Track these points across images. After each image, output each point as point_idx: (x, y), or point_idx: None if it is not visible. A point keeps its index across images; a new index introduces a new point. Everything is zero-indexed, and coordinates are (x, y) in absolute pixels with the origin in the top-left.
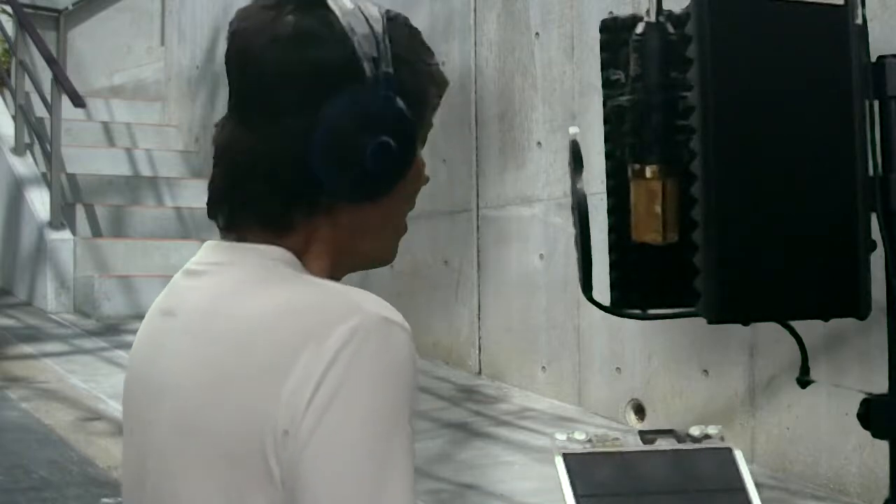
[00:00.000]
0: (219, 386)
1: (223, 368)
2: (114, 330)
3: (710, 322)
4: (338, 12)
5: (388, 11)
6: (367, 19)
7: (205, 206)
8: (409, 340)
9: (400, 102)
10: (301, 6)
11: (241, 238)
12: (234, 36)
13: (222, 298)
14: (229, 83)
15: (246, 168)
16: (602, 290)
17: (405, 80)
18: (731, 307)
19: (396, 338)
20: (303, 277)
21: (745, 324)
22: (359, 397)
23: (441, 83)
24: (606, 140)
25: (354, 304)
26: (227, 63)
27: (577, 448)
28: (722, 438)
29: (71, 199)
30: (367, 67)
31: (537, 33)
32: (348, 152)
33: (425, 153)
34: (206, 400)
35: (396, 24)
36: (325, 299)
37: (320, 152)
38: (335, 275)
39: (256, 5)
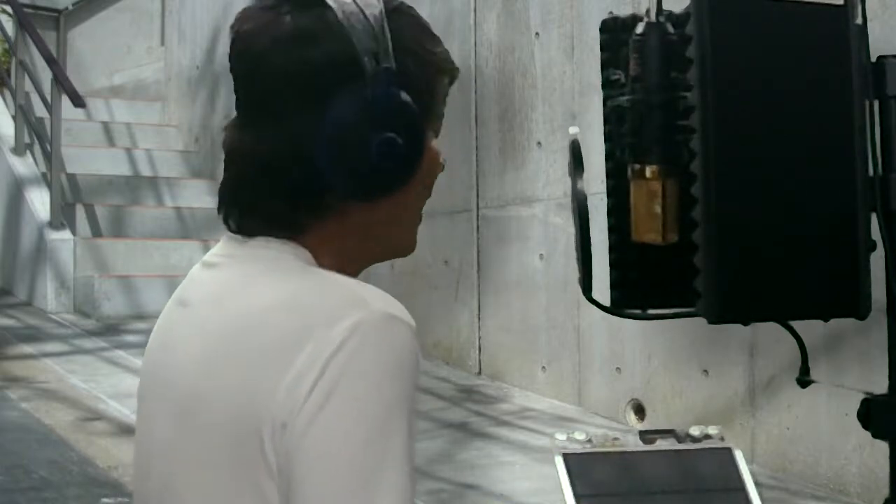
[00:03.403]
0: (220, 374)
1: (226, 357)
2: (114, 330)
3: (710, 322)
4: (335, 8)
5: (390, 2)
6: (364, 13)
7: (205, 206)
8: (412, 338)
9: (404, 96)
10: (298, 5)
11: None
12: (235, 38)
13: (232, 290)
14: (234, 86)
15: (252, 171)
16: (602, 290)
17: (410, 72)
18: (731, 307)
19: (400, 334)
20: (311, 270)
21: (745, 324)
22: (357, 393)
23: (449, 70)
24: (606, 140)
25: (360, 299)
26: (230, 66)
27: (577, 448)
28: (722, 438)
29: (71, 199)
30: (368, 63)
31: (537, 33)
32: (354, 151)
33: None
34: (208, 388)
35: (400, 15)
36: (331, 293)
37: (326, 152)
38: (353, 269)
39: (256, 6)
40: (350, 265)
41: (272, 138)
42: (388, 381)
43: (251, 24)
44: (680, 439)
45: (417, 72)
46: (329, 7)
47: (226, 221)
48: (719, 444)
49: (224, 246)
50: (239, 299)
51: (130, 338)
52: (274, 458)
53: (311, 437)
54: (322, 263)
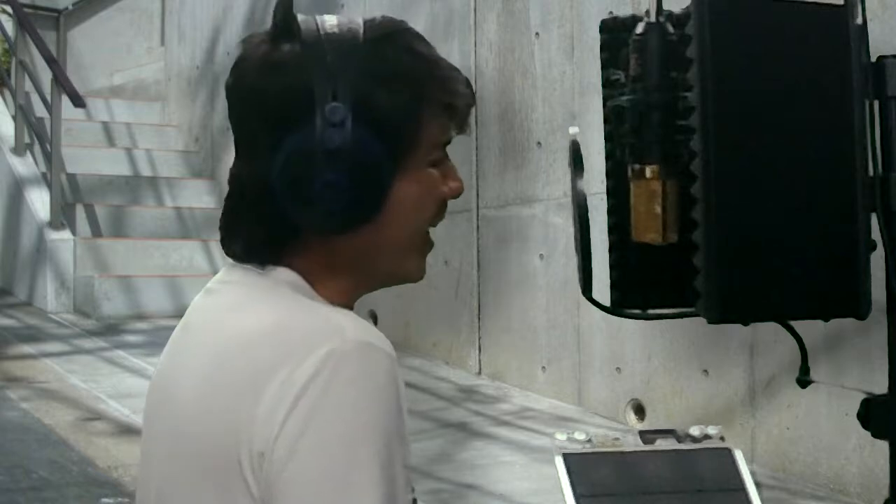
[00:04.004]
0: (205, 400)
1: (209, 383)
2: (114, 330)
3: (710, 322)
4: (307, 41)
5: (380, 29)
6: (325, 48)
7: (205, 206)
8: (390, 365)
9: (360, 134)
10: (277, 35)
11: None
12: (234, 62)
13: (223, 316)
14: None
15: (235, 197)
16: (602, 290)
17: (382, 105)
18: (731, 307)
19: (376, 363)
20: (296, 298)
21: (745, 324)
22: (332, 424)
23: (450, 94)
24: (606, 140)
25: (336, 328)
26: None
27: (577, 448)
28: (722, 438)
29: (71, 199)
30: (322, 99)
31: (537, 33)
32: (302, 189)
33: None
34: (195, 413)
35: (386, 43)
36: (308, 322)
37: (279, 189)
38: (352, 294)
39: (259, 32)
40: (346, 291)
41: (249, 168)
42: (363, 412)
43: (244, 50)
44: (680, 439)
45: (395, 104)
46: (299, 40)
47: (222, 245)
48: (719, 444)
49: (223, 272)
50: (229, 326)
51: (130, 338)
52: (255, 486)
53: (288, 472)
54: (318, 289)
